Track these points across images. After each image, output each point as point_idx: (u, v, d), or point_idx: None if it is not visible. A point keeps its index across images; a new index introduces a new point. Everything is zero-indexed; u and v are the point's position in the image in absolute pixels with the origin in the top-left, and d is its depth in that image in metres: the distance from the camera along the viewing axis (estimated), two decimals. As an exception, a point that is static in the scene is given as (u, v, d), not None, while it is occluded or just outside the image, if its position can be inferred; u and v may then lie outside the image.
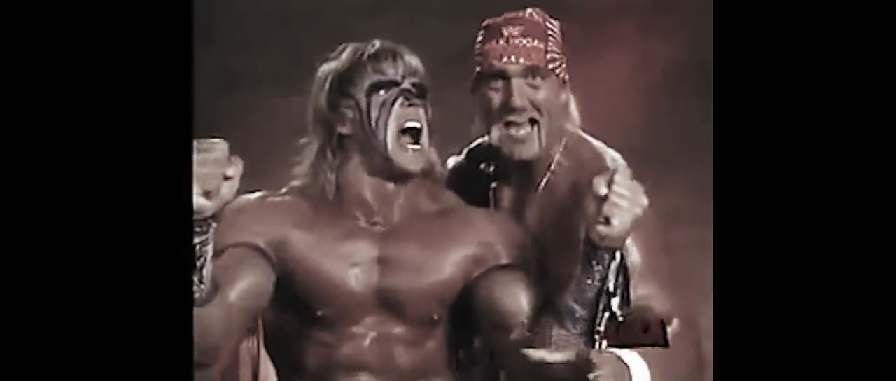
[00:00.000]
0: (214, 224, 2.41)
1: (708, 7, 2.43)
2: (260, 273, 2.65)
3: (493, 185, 2.86)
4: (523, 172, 2.81)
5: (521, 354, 2.57)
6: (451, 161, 2.97)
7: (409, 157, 2.69)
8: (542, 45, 2.76)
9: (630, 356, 2.54)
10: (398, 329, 2.72)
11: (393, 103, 2.69)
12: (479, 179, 2.88)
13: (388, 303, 2.71)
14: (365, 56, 2.72)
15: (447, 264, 2.71)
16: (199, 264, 2.43)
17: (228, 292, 2.56)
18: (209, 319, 2.50)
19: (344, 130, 2.72)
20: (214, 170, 2.36)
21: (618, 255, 2.48)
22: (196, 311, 2.42)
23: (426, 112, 2.72)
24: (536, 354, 2.54)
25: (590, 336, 2.52)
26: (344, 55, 2.75)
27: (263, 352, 2.81)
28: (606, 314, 2.52)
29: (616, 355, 2.53)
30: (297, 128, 2.79)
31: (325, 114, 2.73)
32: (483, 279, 2.70)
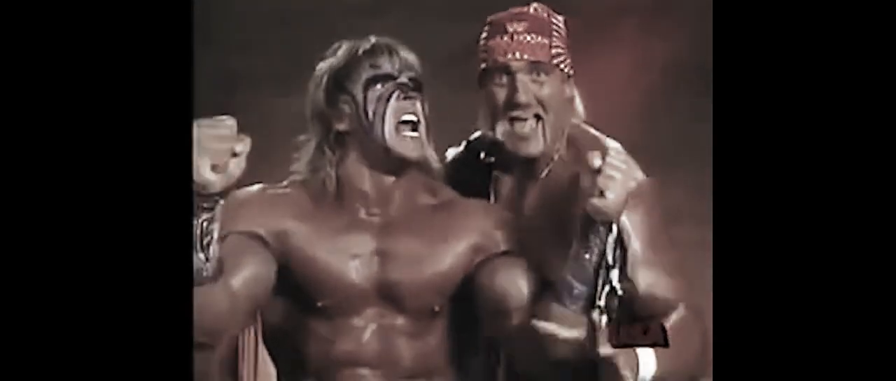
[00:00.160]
0: (221, 201, 2.43)
1: (708, 7, 2.43)
2: (262, 261, 2.66)
3: (493, 175, 2.86)
4: (525, 165, 2.81)
5: (524, 336, 2.60)
6: (451, 152, 2.97)
7: (407, 143, 2.70)
8: (546, 41, 2.77)
9: (641, 352, 2.54)
10: (399, 321, 2.73)
11: (389, 97, 2.70)
12: (480, 171, 2.89)
13: (388, 295, 2.72)
14: (361, 52, 2.74)
15: (447, 255, 2.72)
16: (205, 242, 2.44)
17: (232, 278, 2.57)
18: (214, 300, 2.51)
19: (341, 127, 2.73)
20: (222, 145, 2.37)
21: (614, 228, 2.50)
22: (201, 291, 2.44)
23: (423, 106, 2.73)
24: (547, 326, 2.55)
25: (589, 312, 2.53)
26: (340, 52, 2.76)
27: (262, 347, 2.82)
28: (606, 289, 2.54)
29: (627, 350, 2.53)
30: (297, 127, 2.80)
31: (323, 110, 2.74)
32: (483, 266, 2.71)
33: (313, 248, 2.71)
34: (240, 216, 2.67)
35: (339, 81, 2.73)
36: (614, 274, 2.53)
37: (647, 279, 2.63)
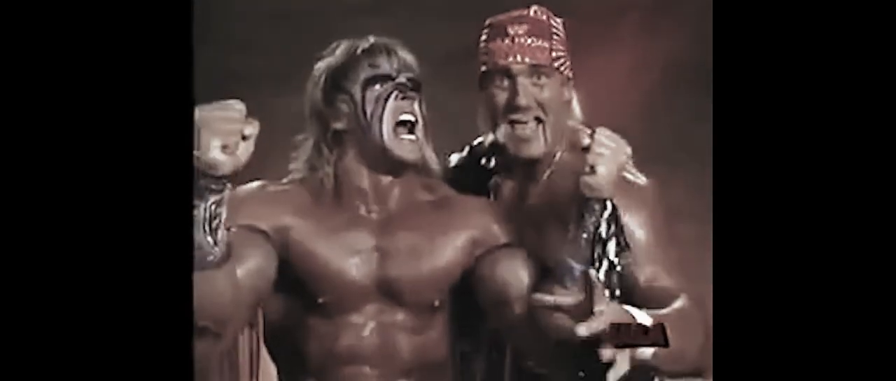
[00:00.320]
0: (229, 185, 2.42)
1: (708, 7, 2.43)
2: (264, 254, 2.67)
3: (494, 179, 2.87)
4: (527, 168, 2.82)
5: (526, 325, 2.62)
6: (455, 158, 2.98)
7: (405, 146, 2.70)
8: (547, 44, 2.77)
9: (636, 312, 2.54)
10: (399, 317, 2.74)
11: (387, 97, 2.71)
12: (482, 175, 2.90)
13: (388, 291, 2.72)
14: (359, 51, 2.74)
15: (446, 249, 2.73)
16: (213, 225, 2.44)
17: (236, 269, 2.56)
18: (219, 286, 2.51)
19: (339, 126, 2.74)
20: (232, 126, 2.38)
21: (608, 204, 2.51)
22: (208, 275, 2.45)
23: (420, 106, 2.73)
24: (547, 298, 2.55)
25: (590, 290, 2.54)
26: (339, 51, 2.77)
27: (262, 345, 2.82)
28: (605, 263, 2.55)
29: (624, 308, 2.54)
30: (297, 126, 2.80)
31: (321, 109, 2.75)
32: (483, 258, 2.72)
33: (313, 244, 2.71)
34: (241, 212, 2.67)
35: (338, 80, 2.74)
36: (611, 248, 2.54)
37: (649, 272, 2.64)
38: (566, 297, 2.54)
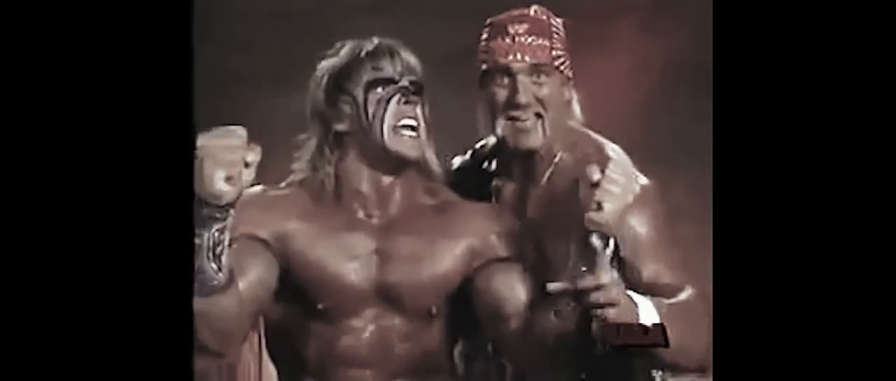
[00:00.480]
0: (232, 211, 2.43)
1: (708, 7, 2.43)
2: (264, 264, 2.67)
3: (496, 181, 2.87)
4: (526, 167, 2.82)
5: (522, 340, 2.62)
6: (457, 161, 2.99)
7: (405, 142, 2.70)
8: (547, 43, 2.78)
9: (640, 299, 2.54)
10: (397, 322, 2.73)
11: (389, 101, 2.70)
12: (484, 178, 2.90)
13: (386, 296, 2.72)
14: (363, 53, 2.74)
15: (445, 257, 2.72)
16: (218, 251, 2.45)
17: (238, 282, 2.56)
18: (225, 308, 2.51)
19: (341, 127, 2.74)
20: (236, 155, 2.37)
21: (611, 242, 2.50)
22: (214, 300, 2.46)
23: (423, 109, 2.73)
24: (557, 285, 2.54)
25: (586, 322, 2.53)
26: (342, 52, 2.77)
27: (264, 349, 2.82)
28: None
29: (629, 294, 2.54)
30: (297, 126, 2.80)
31: (323, 110, 2.75)
32: (481, 271, 2.71)
33: (313, 249, 2.71)
34: (241, 219, 2.67)
35: (340, 81, 2.74)
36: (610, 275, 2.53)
37: (652, 270, 2.64)
38: (580, 282, 2.52)
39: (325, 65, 2.77)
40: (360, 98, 2.71)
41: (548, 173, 2.80)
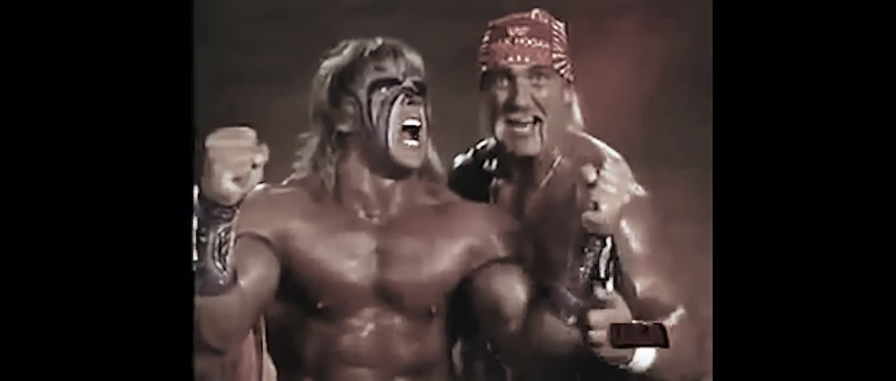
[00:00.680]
0: (238, 211, 2.43)
1: (708, 7, 2.43)
2: (266, 262, 2.67)
3: (495, 182, 2.88)
4: (525, 171, 2.82)
5: (521, 341, 2.61)
6: (459, 160, 2.99)
7: (408, 153, 2.70)
8: (547, 46, 2.78)
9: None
10: (397, 321, 2.73)
11: (393, 101, 2.70)
12: (484, 178, 2.90)
13: (386, 295, 2.72)
14: (366, 53, 2.74)
15: (445, 257, 2.72)
16: (223, 251, 2.45)
17: (240, 281, 2.57)
18: (228, 307, 2.51)
19: (344, 128, 2.73)
20: (244, 157, 2.37)
21: (608, 241, 2.50)
22: (217, 300, 2.46)
23: (426, 110, 2.73)
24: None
25: (584, 324, 2.53)
26: (346, 51, 2.76)
27: (265, 347, 2.82)
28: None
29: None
30: (297, 126, 2.80)
31: (327, 109, 2.74)
32: (481, 272, 2.71)
33: (313, 248, 2.71)
34: (243, 217, 2.67)
35: (344, 82, 2.73)
36: (609, 286, 2.53)
37: (646, 284, 2.64)
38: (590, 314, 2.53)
39: (329, 64, 2.77)
40: (364, 99, 2.71)
41: (547, 178, 2.81)
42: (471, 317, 2.74)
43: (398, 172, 2.73)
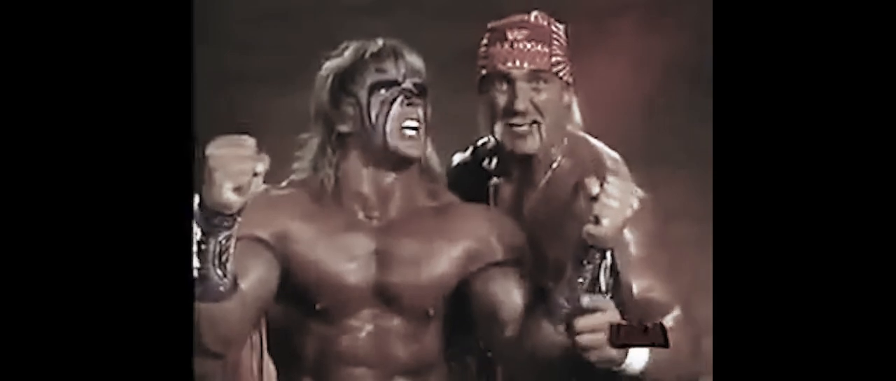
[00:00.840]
0: (239, 219, 2.43)
1: (708, 7, 2.43)
2: (266, 264, 2.67)
3: (494, 181, 2.88)
4: (524, 170, 2.82)
5: (517, 346, 2.61)
6: (457, 157, 2.99)
7: (408, 143, 2.70)
8: (546, 50, 2.78)
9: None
10: (395, 323, 2.73)
11: (393, 103, 2.71)
12: (483, 177, 2.90)
13: (385, 297, 2.72)
14: (367, 54, 2.74)
15: (443, 259, 2.72)
16: (224, 259, 2.46)
17: (241, 284, 2.57)
18: (229, 312, 2.52)
19: (344, 128, 2.74)
20: (245, 165, 2.38)
21: (608, 255, 2.49)
22: (218, 306, 2.47)
23: (425, 111, 2.73)
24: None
25: (572, 330, 2.53)
26: (347, 53, 2.77)
27: (265, 347, 2.82)
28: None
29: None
30: (297, 126, 2.80)
31: (327, 110, 2.75)
32: (479, 275, 2.71)
33: (313, 250, 2.71)
34: (243, 219, 2.67)
35: (344, 82, 2.74)
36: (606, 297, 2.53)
37: (642, 285, 2.64)
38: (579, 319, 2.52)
39: (330, 65, 2.77)
40: (364, 100, 2.72)
41: (546, 178, 2.81)
42: (468, 319, 2.74)
43: (399, 164, 2.73)
